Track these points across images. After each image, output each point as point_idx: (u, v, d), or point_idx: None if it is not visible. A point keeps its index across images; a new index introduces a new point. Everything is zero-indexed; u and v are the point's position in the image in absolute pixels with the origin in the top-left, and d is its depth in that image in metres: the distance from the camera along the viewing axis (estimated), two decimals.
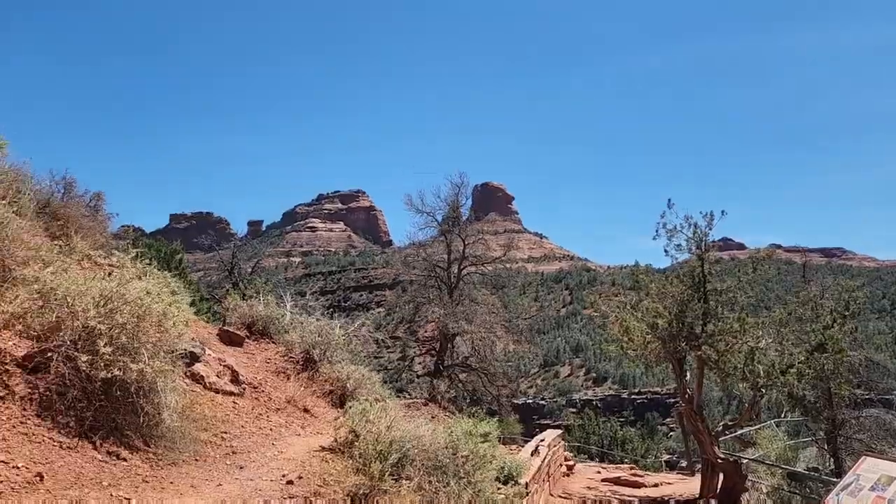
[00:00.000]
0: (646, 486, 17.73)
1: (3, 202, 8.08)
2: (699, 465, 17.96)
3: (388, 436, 7.20)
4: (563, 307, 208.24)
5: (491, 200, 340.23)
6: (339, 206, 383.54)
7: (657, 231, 16.63)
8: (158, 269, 8.70)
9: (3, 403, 5.53)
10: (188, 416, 7.29)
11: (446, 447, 7.87)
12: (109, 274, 7.48)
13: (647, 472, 22.56)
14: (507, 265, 38.70)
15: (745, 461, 16.27)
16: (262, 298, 14.94)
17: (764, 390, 15.88)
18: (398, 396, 27.23)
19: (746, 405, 16.51)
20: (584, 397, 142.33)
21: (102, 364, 5.95)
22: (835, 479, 10.97)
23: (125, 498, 5.19)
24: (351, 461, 7.06)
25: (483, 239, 36.01)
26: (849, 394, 17.88)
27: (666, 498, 16.20)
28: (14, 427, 5.33)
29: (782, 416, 22.35)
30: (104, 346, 6.01)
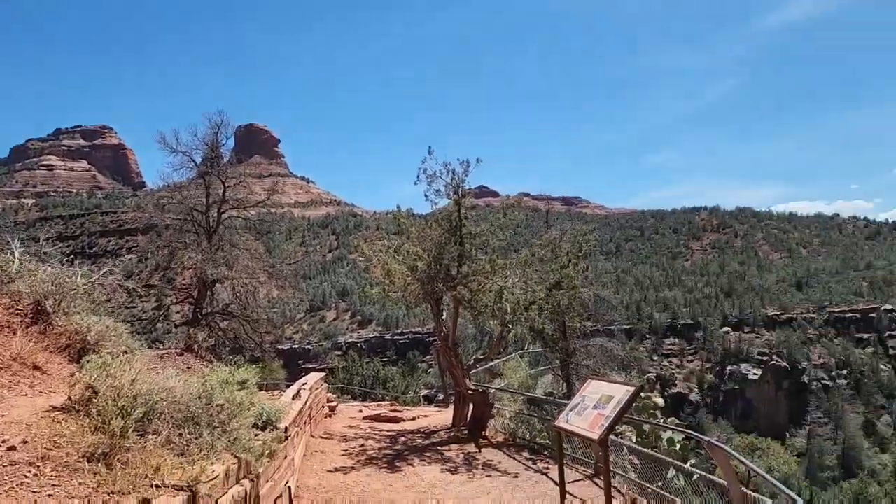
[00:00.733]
0: (404, 420, 18.65)
1: None
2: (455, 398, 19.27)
3: (133, 390, 6.64)
4: (330, 252, 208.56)
5: (256, 143, 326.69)
6: (82, 142, 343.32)
7: (418, 177, 17.15)
8: None
9: None
10: None
11: (199, 397, 7.50)
12: None
13: (407, 408, 23.73)
14: (273, 210, 37.49)
15: (492, 391, 17.73)
16: None
17: (511, 325, 17.29)
18: (153, 348, 25.50)
19: (495, 340, 17.92)
20: (350, 340, 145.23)
21: None
22: (566, 402, 12.37)
23: None
24: (88, 420, 6.43)
25: (245, 182, 34.35)
26: (580, 325, 20.16)
27: (422, 429, 17.18)
28: None
29: (526, 348, 24.67)
30: None
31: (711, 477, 9.40)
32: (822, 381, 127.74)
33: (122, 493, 4.87)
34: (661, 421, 16.19)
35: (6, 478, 4.99)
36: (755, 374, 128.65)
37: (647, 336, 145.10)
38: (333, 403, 20.24)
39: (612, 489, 10.98)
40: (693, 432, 10.01)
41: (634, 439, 15.07)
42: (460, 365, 16.99)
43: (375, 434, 16.68)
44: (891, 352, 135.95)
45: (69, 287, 12.26)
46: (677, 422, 16.69)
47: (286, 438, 10.65)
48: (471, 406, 16.83)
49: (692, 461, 15.35)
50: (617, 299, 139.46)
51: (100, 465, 5.49)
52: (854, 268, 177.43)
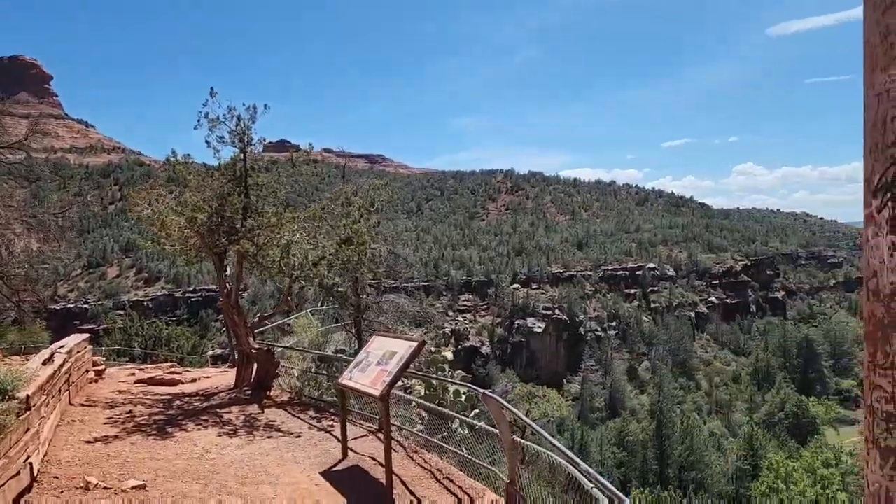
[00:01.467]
0: (183, 383, 17.40)
1: None
2: None
3: None
4: (112, 203, 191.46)
5: (22, 78, 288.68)
6: None
7: (199, 121, 15.73)
8: None
9: None
10: None
11: None
12: None
13: (189, 369, 22.28)
14: (44, 155, 33.02)
15: (279, 349, 17.08)
16: None
17: (301, 281, 16.68)
18: None
19: (283, 296, 17.22)
20: (135, 299, 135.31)
21: None
22: (353, 359, 12.14)
23: None
24: None
25: (2, 119, 29.92)
26: (374, 281, 20.08)
27: (201, 391, 16.13)
28: None
29: (319, 305, 24.18)
30: None
31: (489, 427, 9.67)
32: (596, 332, 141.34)
33: None
34: (449, 374, 16.61)
35: None
36: (539, 327, 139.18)
37: (444, 293, 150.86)
38: (101, 367, 18.38)
39: (396, 443, 11.01)
40: (472, 385, 10.25)
41: (423, 392, 15.31)
42: (244, 323, 16.10)
43: (147, 399, 15.35)
44: (652, 305, 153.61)
45: None
46: (464, 374, 17.22)
47: (28, 409, 9.31)
48: (255, 366, 16.08)
49: (476, 411, 15.92)
50: (416, 257, 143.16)
51: None
52: (626, 230, 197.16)
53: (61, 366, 12.79)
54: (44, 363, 12.25)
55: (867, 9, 1.80)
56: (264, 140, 16.92)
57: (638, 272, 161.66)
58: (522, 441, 8.05)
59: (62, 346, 14.61)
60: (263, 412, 14.03)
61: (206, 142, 15.72)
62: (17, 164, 29.47)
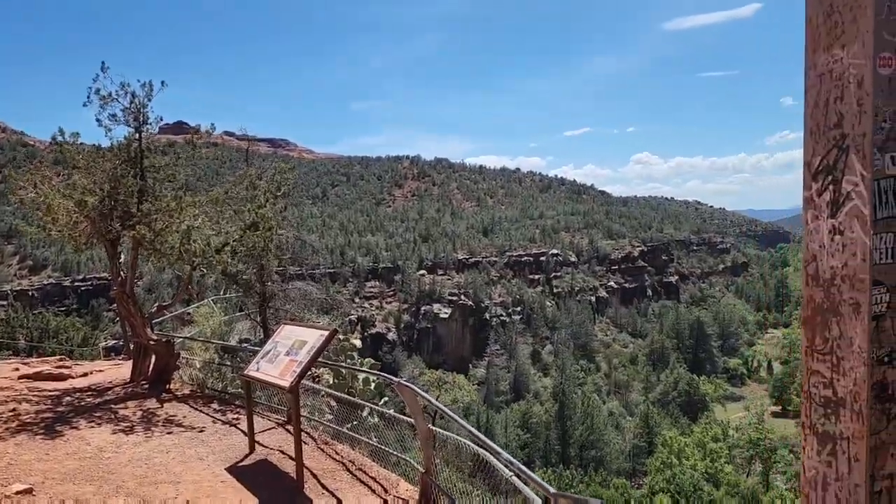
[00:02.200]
0: (73, 378, 16.30)
1: None
2: None
3: None
4: None
5: None
6: None
7: (89, 97, 14.65)
8: None
9: None
10: None
11: None
12: None
13: (80, 362, 20.95)
14: None
15: (179, 340, 16.29)
16: None
17: (203, 269, 15.94)
18: None
19: (182, 285, 16.43)
20: (19, 288, 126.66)
21: None
22: (261, 348, 11.68)
23: None
24: None
25: None
26: (279, 268, 19.47)
27: (94, 386, 15.16)
28: None
29: (222, 293, 23.27)
30: None
31: (401, 416, 9.52)
32: (501, 318, 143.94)
33: None
34: (358, 362, 16.36)
35: None
36: (446, 313, 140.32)
37: (351, 279, 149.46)
38: None
39: (306, 434, 10.69)
40: (384, 374, 10.08)
41: (332, 381, 14.99)
42: (139, 313, 15.22)
43: (34, 396, 14.28)
44: (555, 290, 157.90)
45: None
46: (373, 362, 17.02)
47: None
48: (153, 358, 15.25)
49: (385, 399, 15.76)
50: (322, 243, 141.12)
51: None
52: (530, 217, 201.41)
53: None
54: None
55: None
56: (161, 120, 15.96)
57: (541, 258, 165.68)
58: (435, 429, 7.96)
59: None
60: (163, 406, 13.35)
61: (98, 120, 14.65)
62: None
